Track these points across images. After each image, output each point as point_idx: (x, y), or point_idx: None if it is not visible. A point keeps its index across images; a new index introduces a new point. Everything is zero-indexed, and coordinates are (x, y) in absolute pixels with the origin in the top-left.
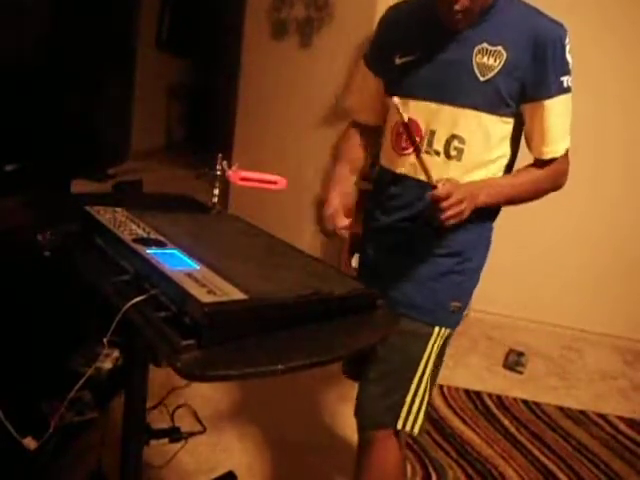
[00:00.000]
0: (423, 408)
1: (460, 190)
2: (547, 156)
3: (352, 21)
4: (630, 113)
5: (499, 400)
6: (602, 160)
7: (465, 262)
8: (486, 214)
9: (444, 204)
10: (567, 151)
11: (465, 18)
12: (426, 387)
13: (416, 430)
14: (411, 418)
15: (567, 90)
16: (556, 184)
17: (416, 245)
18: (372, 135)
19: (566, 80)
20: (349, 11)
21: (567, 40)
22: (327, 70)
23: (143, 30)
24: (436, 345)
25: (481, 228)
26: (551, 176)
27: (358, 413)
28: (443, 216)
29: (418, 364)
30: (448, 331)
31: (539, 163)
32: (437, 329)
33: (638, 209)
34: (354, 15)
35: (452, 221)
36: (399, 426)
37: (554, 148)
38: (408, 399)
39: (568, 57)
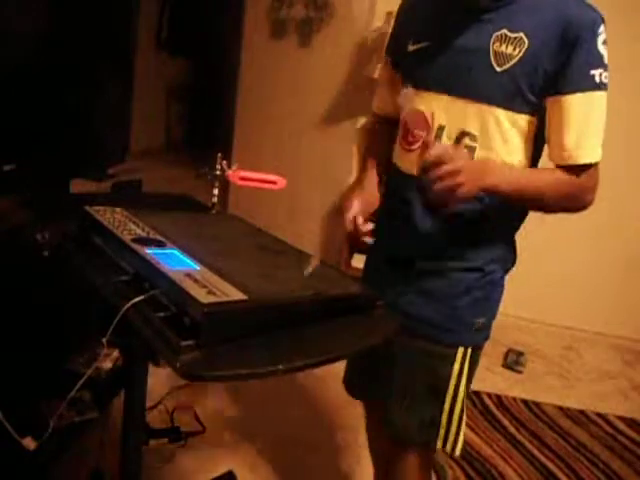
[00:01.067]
0: (462, 428)
1: (459, 161)
2: (565, 161)
3: (351, 21)
4: (633, 114)
5: (498, 400)
6: (602, 160)
7: (487, 276)
8: (509, 225)
9: (435, 173)
10: (596, 165)
11: None
12: (462, 406)
13: (457, 451)
14: (451, 438)
15: (599, 86)
16: (580, 200)
17: (431, 259)
18: (395, 130)
19: (598, 74)
20: (348, 11)
21: (602, 29)
22: (326, 70)
23: (143, 30)
24: (465, 365)
25: (505, 241)
26: (575, 189)
27: (389, 430)
28: (434, 188)
29: (447, 384)
30: (473, 349)
31: (562, 170)
32: (462, 349)
33: (639, 209)
34: (353, 15)
35: (445, 195)
36: (439, 445)
37: (575, 153)
38: (444, 419)
39: (601, 48)
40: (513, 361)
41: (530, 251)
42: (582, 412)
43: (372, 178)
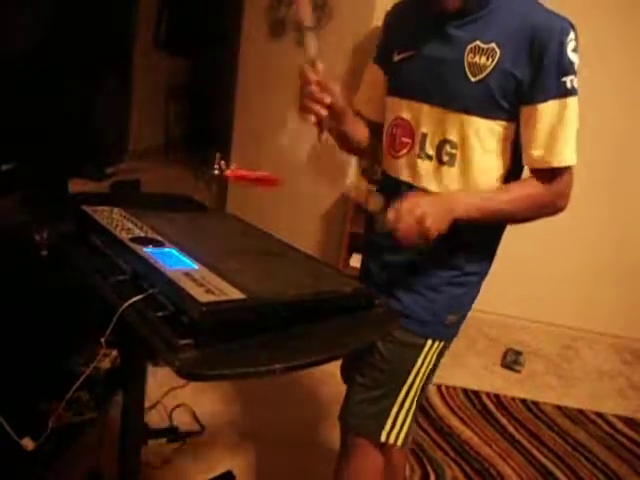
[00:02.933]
0: (408, 420)
1: (418, 208)
2: (538, 165)
3: (351, 20)
4: (629, 114)
5: (497, 399)
6: (602, 160)
7: (466, 275)
8: (492, 228)
9: (399, 233)
10: (569, 170)
11: None
12: (413, 399)
13: (399, 442)
14: (395, 430)
15: (570, 92)
16: (553, 205)
17: (416, 257)
18: (378, 132)
19: (569, 81)
20: (347, 11)
21: (571, 36)
22: (325, 69)
23: (141, 29)
24: (428, 358)
25: (487, 243)
26: (548, 195)
27: (343, 416)
28: (403, 244)
29: (407, 375)
30: (442, 344)
31: (535, 177)
32: (430, 342)
33: (637, 209)
34: (352, 15)
35: (419, 244)
36: (382, 438)
37: (548, 157)
38: (394, 410)
39: (571, 55)
40: (512, 361)
41: (530, 251)
42: (581, 411)
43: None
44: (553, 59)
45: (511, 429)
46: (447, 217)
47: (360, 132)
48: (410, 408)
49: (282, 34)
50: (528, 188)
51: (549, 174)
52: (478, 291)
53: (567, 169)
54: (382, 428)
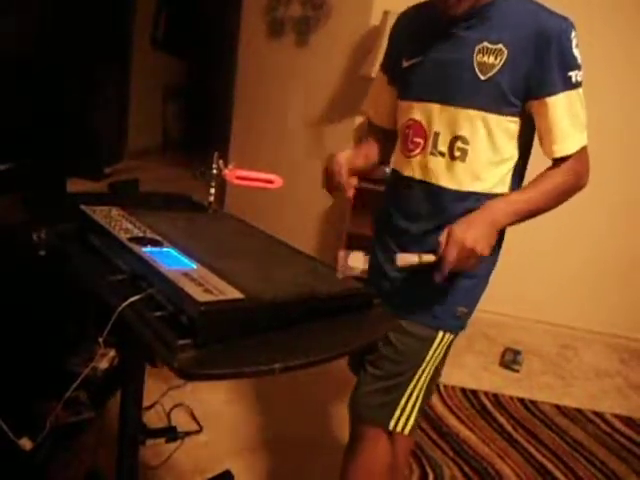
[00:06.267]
0: (416, 410)
1: (466, 241)
2: (556, 154)
3: (348, 20)
4: (630, 112)
5: (495, 398)
6: (601, 159)
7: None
8: None
9: (453, 270)
10: (584, 149)
11: (460, 2)
12: (421, 390)
13: (407, 430)
14: (403, 418)
15: (576, 85)
16: (577, 185)
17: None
18: (390, 138)
19: (574, 75)
20: (346, 10)
21: (573, 34)
22: (323, 69)
23: (139, 30)
24: (439, 350)
25: (499, 236)
26: (570, 178)
27: (352, 406)
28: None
29: (418, 367)
30: (452, 336)
31: (554, 164)
32: (441, 334)
33: (636, 209)
34: (351, 14)
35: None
36: (391, 426)
37: (563, 146)
38: (403, 400)
39: (575, 51)
40: (510, 360)
41: (528, 251)
42: (579, 411)
43: (358, 151)
44: (559, 55)
45: (509, 428)
46: (492, 232)
47: (370, 158)
48: (418, 398)
49: (281, 34)
50: (554, 179)
51: (568, 159)
52: (487, 283)
53: (582, 149)
54: (391, 417)
